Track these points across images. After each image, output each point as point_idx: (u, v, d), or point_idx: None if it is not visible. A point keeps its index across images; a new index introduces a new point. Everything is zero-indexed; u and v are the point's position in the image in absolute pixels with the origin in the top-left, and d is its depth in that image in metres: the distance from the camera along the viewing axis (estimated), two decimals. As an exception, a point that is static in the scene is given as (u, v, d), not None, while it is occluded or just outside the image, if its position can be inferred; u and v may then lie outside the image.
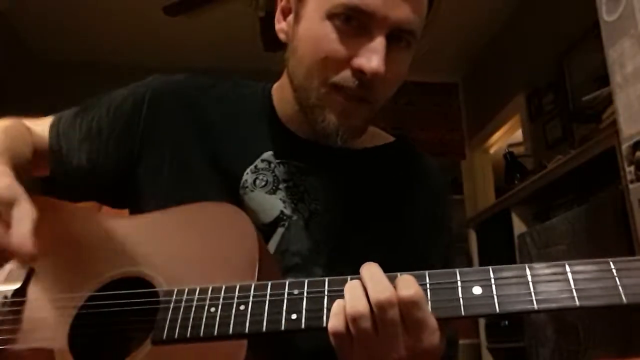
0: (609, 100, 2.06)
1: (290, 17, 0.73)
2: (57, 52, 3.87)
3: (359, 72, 0.65)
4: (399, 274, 0.54)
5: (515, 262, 2.70)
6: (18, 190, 0.58)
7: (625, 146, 1.80)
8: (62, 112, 0.84)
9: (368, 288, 0.52)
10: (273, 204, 0.73)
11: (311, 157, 0.77)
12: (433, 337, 0.52)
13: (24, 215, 0.56)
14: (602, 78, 2.12)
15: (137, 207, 0.77)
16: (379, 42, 0.65)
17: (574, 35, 2.83)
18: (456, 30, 3.78)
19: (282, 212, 0.73)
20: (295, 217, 0.73)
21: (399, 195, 0.79)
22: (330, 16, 0.66)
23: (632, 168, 1.77)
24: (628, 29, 1.76)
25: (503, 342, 3.11)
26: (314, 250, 0.72)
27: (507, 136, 3.91)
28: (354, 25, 0.65)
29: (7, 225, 0.56)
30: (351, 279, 0.55)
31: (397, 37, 0.67)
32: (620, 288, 0.48)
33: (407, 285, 0.52)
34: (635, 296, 0.47)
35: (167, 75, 0.84)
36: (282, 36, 0.75)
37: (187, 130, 0.78)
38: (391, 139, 0.85)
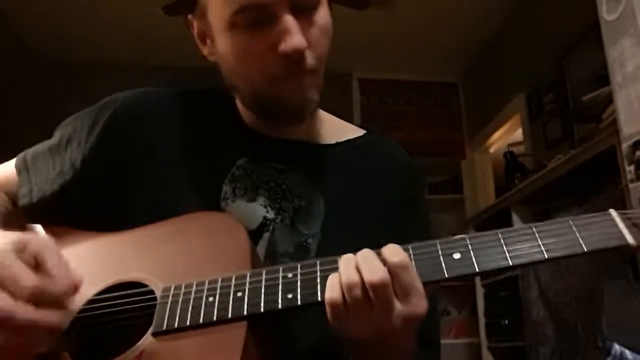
0: (609, 99, 2.06)
1: (209, 40, 0.76)
2: (57, 52, 3.86)
3: (286, 57, 0.68)
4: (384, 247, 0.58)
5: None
6: (18, 234, 0.59)
7: (625, 145, 1.80)
8: (26, 151, 0.82)
9: (362, 270, 0.55)
10: (255, 211, 0.74)
11: (287, 155, 0.78)
12: (422, 301, 0.56)
13: (48, 250, 0.58)
14: (602, 78, 2.12)
15: (112, 228, 0.75)
16: (287, 21, 0.67)
17: (574, 35, 2.83)
18: (456, 29, 3.78)
19: (265, 217, 0.74)
20: (279, 218, 0.74)
21: (375, 181, 0.81)
22: (232, 26, 0.69)
23: (632, 167, 1.77)
24: (628, 28, 1.76)
25: (503, 342, 3.12)
26: (302, 247, 0.73)
27: (507, 136, 3.90)
28: (257, 21, 0.68)
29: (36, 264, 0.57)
30: (340, 259, 0.58)
31: (298, 5, 0.68)
32: (580, 239, 0.55)
33: (395, 252, 0.56)
34: (593, 244, 0.54)
35: (127, 91, 0.82)
36: (212, 59, 0.77)
37: (159, 147, 0.78)
38: (361, 131, 0.88)
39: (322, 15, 0.72)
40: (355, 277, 0.54)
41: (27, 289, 0.53)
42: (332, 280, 0.56)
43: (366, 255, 0.56)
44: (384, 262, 0.55)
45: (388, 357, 0.60)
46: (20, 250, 0.56)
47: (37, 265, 0.57)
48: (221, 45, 0.72)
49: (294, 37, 0.67)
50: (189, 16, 0.77)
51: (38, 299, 0.54)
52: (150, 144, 0.78)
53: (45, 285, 0.55)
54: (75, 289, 0.57)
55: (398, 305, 0.54)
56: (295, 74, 0.70)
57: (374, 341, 0.57)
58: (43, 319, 0.54)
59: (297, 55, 0.68)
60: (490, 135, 3.97)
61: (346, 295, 0.54)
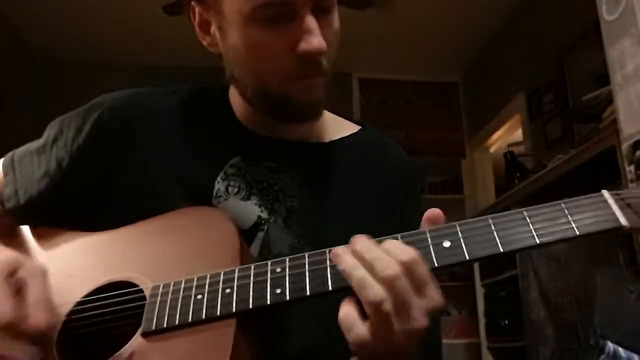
0: (609, 99, 2.06)
1: (213, 30, 0.74)
2: (57, 52, 3.86)
3: (304, 56, 0.67)
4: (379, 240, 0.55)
5: (515, 261, 2.71)
6: (13, 256, 0.58)
7: (625, 145, 1.80)
8: (14, 151, 0.81)
9: (377, 268, 0.51)
10: (249, 210, 0.72)
11: (280, 154, 0.77)
12: (437, 291, 0.52)
13: (35, 282, 0.57)
14: (602, 77, 2.12)
15: (100, 228, 0.74)
16: (310, 21, 0.67)
17: (574, 35, 2.83)
18: (456, 29, 3.79)
19: (259, 216, 0.72)
20: (273, 219, 0.73)
21: (370, 180, 0.80)
22: (250, 19, 0.67)
23: (632, 167, 1.77)
24: (628, 28, 1.77)
25: (503, 342, 3.11)
26: (296, 248, 0.72)
27: (507, 135, 3.90)
28: (278, 17, 0.67)
29: (18, 292, 0.56)
30: (329, 251, 0.56)
31: (319, 6, 0.68)
32: (572, 223, 0.53)
33: (401, 250, 0.52)
34: (586, 227, 0.53)
35: (116, 92, 0.81)
36: (213, 49, 0.75)
37: (148, 147, 0.77)
38: (356, 128, 0.86)
39: (335, 18, 0.72)
40: (382, 293, 0.50)
41: (0, 320, 0.54)
42: (347, 316, 0.51)
43: (378, 253, 0.52)
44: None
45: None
46: (10, 273, 0.56)
47: (19, 291, 0.57)
48: (233, 38, 0.70)
49: (316, 38, 0.66)
50: (192, 2, 0.75)
51: (6, 331, 0.54)
52: (139, 145, 0.77)
53: (18, 321, 0.55)
54: (47, 329, 0.57)
55: (416, 299, 0.51)
56: (309, 75, 0.70)
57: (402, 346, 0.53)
58: (6, 353, 0.54)
59: (316, 57, 0.68)
60: (490, 135, 3.97)
61: (372, 313, 0.50)
